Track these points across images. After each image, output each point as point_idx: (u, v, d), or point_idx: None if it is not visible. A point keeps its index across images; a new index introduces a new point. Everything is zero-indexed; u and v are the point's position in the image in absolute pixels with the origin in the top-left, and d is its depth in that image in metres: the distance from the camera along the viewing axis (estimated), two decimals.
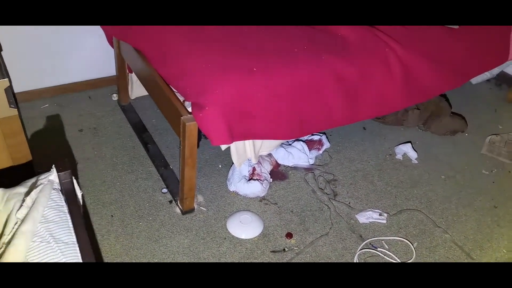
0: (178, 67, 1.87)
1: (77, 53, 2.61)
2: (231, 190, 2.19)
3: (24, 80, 2.54)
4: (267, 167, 2.27)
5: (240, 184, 2.14)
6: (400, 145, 2.56)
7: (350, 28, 2.11)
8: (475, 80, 3.12)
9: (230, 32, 2.02)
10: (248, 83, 1.76)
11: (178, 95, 1.89)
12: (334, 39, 2.07)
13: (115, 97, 2.73)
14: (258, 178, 2.18)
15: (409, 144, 2.56)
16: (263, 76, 1.79)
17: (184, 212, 2.03)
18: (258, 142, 2.00)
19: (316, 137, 2.48)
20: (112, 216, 1.98)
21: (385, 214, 2.13)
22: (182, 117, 1.75)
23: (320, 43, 2.01)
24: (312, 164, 2.39)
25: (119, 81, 2.59)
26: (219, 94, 1.71)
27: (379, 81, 2.08)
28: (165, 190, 2.14)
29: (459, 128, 2.75)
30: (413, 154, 2.52)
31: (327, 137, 2.54)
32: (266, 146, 2.06)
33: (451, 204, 2.24)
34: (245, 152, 1.98)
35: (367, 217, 2.11)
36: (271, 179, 2.26)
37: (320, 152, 2.46)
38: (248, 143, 1.96)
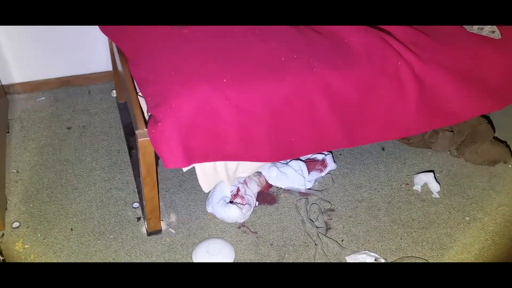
0: (146, 71, 1.65)
1: (81, 44, 2.48)
2: (208, 211, 1.95)
3: (25, 70, 2.46)
4: (253, 189, 2.00)
5: (217, 206, 1.89)
6: (421, 174, 2.17)
7: (359, 34, 1.76)
8: None
9: (214, 32, 1.76)
10: (214, 96, 1.50)
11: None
12: (335, 47, 1.73)
13: (114, 93, 2.58)
14: (241, 202, 1.92)
15: (432, 173, 2.16)
16: (233, 90, 1.52)
17: (149, 233, 1.83)
18: (233, 162, 1.74)
19: (319, 156, 2.17)
20: (71, 229, 1.83)
21: (382, 260, 1.79)
22: (136, 131, 1.53)
23: (315, 51, 1.69)
24: (309, 189, 2.08)
25: (115, 78, 2.43)
26: (175, 108, 1.47)
27: (388, 100, 1.73)
28: (136, 204, 1.95)
29: (500, 157, 2.29)
30: (435, 186, 2.13)
31: (333, 157, 2.21)
32: (245, 167, 1.79)
33: (469, 255, 1.85)
34: (216, 174, 1.73)
35: (359, 261, 1.78)
36: (256, 203, 2.00)
37: (322, 174, 2.15)
38: (220, 163, 1.70)
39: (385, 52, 1.71)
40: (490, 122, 2.40)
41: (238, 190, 1.96)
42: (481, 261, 1.83)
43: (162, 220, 1.90)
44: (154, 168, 1.60)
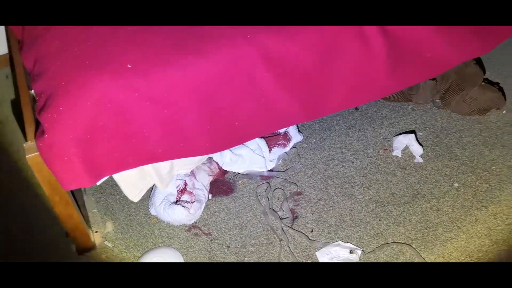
0: (35, 58, 1.27)
1: None
2: (152, 213, 1.64)
3: None
4: (204, 180, 1.68)
5: (160, 208, 1.59)
6: (401, 136, 1.85)
7: None
8: None
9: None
10: (115, 89, 1.14)
11: None
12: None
13: None
14: (189, 199, 1.61)
15: (413, 134, 1.84)
16: (141, 77, 1.16)
17: (80, 252, 1.53)
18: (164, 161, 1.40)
19: (281, 130, 1.83)
20: None
21: (359, 251, 1.52)
22: (24, 144, 1.18)
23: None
24: (271, 170, 1.76)
25: None
26: (64, 112, 1.11)
27: (352, 63, 1.37)
28: None
29: (491, 103, 1.96)
30: (417, 149, 1.82)
31: (298, 128, 1.88)
32: (183, 163, 1.46)
33: (460, 232, 1.57)
34: (143, 179, 1.39)
35: (331, 256, 1.51)
36: (209, 196, 1.69)
37: (286, 149, 1.82)
38: (146, 166, 1.36)
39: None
40: (478, 62, 2.05)
41: (185, 184, 1.64)
42: (474, 238, 1.56)
43: (96, 232, 1.59)
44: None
